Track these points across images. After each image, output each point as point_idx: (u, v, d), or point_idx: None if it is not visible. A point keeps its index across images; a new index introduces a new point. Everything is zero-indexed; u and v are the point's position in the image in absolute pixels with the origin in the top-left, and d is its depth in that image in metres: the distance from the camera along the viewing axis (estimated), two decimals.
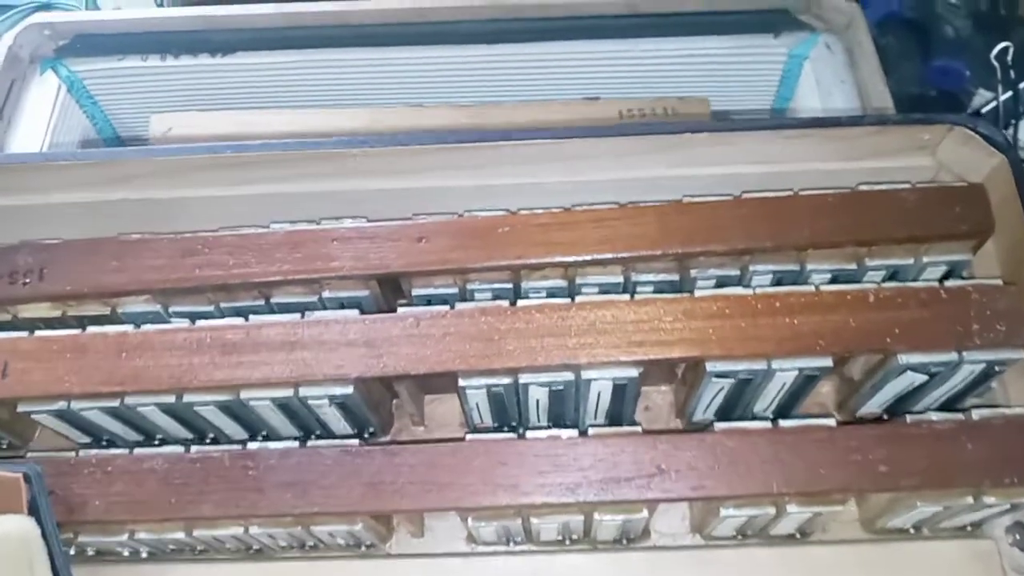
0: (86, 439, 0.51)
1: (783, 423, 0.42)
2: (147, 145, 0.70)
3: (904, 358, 0.42)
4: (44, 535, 0.43)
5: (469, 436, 0.44)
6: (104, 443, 0.52)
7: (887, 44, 0.92)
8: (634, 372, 0.43)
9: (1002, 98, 0.82)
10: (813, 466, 0.41)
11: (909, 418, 0.42)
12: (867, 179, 0.50)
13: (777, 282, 0.48)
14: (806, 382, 0.44)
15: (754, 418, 0.47)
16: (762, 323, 0.43)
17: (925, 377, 0.43)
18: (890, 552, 0.47)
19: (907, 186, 0.47)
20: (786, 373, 0.43)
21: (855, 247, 0.47)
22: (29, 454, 0.49)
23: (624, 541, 0.48)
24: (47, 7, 1.02)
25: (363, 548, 0.48)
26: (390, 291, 0.51)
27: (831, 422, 0.42)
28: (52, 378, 0.46)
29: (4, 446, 0.53)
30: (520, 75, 0.73)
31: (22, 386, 0.46)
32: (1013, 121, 0.81)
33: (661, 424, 0.52)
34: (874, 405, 0.47)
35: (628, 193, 0.51)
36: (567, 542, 0.47)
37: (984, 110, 0.85)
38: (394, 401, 0.53)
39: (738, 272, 0.48)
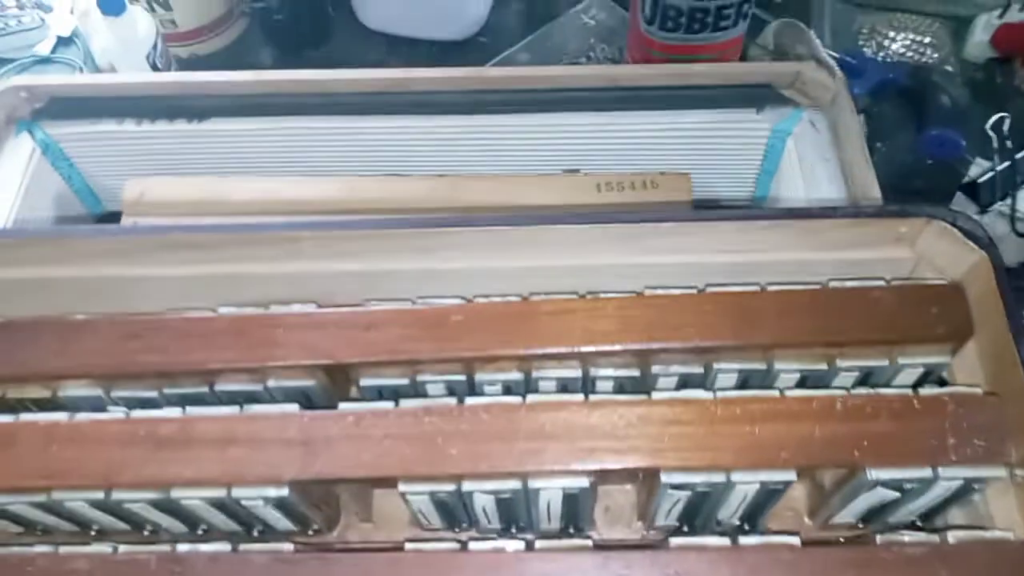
0: (17, 528, 0.49)
1: (744, 541, 0.39)
2: (120, 211, 0.70)
3: (874, 473, 0.39)
4: None
5: (409, 544, 0.41)
6: (38, 531, 0.49)
7: (881, 112, 0.90)
8: (585, 482, 0.40)
9: (999, 168, 0.80)
10: None
11: (879, 539, 0.39)
12: (843, 270, 0.47)
13: (743, 382, 0.45)
14: (770, 495, 0.41)
15: (719, 524, 0.44)
16: (721, 431, 0.40)
17: (896, 494, 0.40)
18: None
19: (881, 283, 0.45)
20: (747, 486, 0.40)
21: (825, 348, 0.44)
22: None
23: None
24: (47, 62, 1.03)
25: None
26: (340, 379, 0.49)
27: (796, 541, 0.39)
28: None
29: None
30: (500, 146, 0.72)
31: None
32: (1011, 192, 0.79)
33: (623, 525, 0.49)
34: (847, 515, 0.44)
35: (589, 279, 0.49)
36: None
37: (981, 180, 0.83)
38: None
39: (702, 370, 0.45)
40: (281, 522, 0.46)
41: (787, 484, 0.40)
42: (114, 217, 0.79)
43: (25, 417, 0.46)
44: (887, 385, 0.44)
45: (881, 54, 0.97)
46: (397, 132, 0.72)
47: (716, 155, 0.70)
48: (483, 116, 0.71)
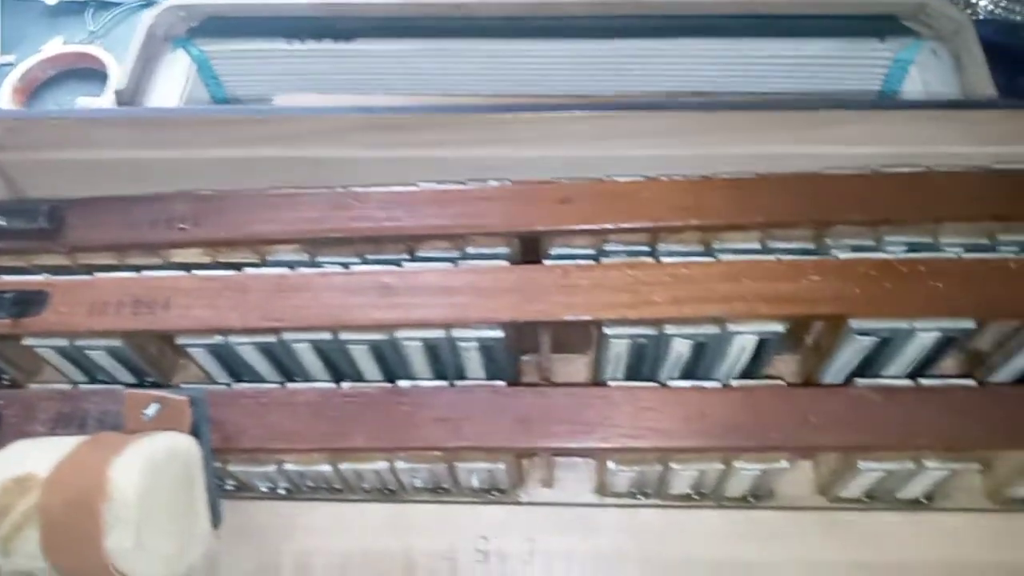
0: (227, 379, 0.54)
1: (925, 382, 0.44)
2: None
3: None
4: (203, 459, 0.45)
5: (613, 383, 0.46)
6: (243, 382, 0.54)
7: None
8: (780, 328, 0.45)
9: None
10: (956, 423, 0.42)
11: None
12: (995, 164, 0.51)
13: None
14: (946, 343, 0.45)
15: None
16: (907, 286, 0.44)
17: None
18: (1014, 521, 0.47)
19: None
20: (928, 334, 0.44)
21: (989, 222, 0.48)
22: (182, 385, 0.52)
23: (751, 500, 0.49)
24: None
25: (494, 494, 0.50)
26: (531, 248, 0.53)
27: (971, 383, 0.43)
28: (214, 313, 0.49)
29: (148, 383, 0.55)
30: (631, 70, 0.76)
31: (185, 320, 0.49)
32: None
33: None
34: (1004, 375, 0.48)
35: (758, 169, 0.53)
36: (695, 497, 0.49)
37: None
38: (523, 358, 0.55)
39: (873, 243, 0.49)
40: (479, 372, 0.50)
41: (966, 333, 0.44)
42: None
43: (250, 271, 0.51)
44: None
45: (968, 11, 1.00)
46: (532, 55, 0.76)
47: (838, 82, 0.74)
48: (615, 41, 0.75)
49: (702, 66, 0.75)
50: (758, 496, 0.49)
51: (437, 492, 0.50)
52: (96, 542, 0.39)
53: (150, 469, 0.41)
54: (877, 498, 0.48)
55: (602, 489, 0.50)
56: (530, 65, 0.76)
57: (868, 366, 0.48)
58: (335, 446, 0.46)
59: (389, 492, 0.51)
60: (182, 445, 0.44)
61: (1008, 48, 0.97)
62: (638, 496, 0.49)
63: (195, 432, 0.45)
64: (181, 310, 0.49)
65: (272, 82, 0.80)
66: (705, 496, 0.49)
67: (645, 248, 0.51)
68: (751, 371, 0.49)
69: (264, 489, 0.51)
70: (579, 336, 0.53)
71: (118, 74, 1.09)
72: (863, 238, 0.49)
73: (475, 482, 0.49)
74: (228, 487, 0.52)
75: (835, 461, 0.47)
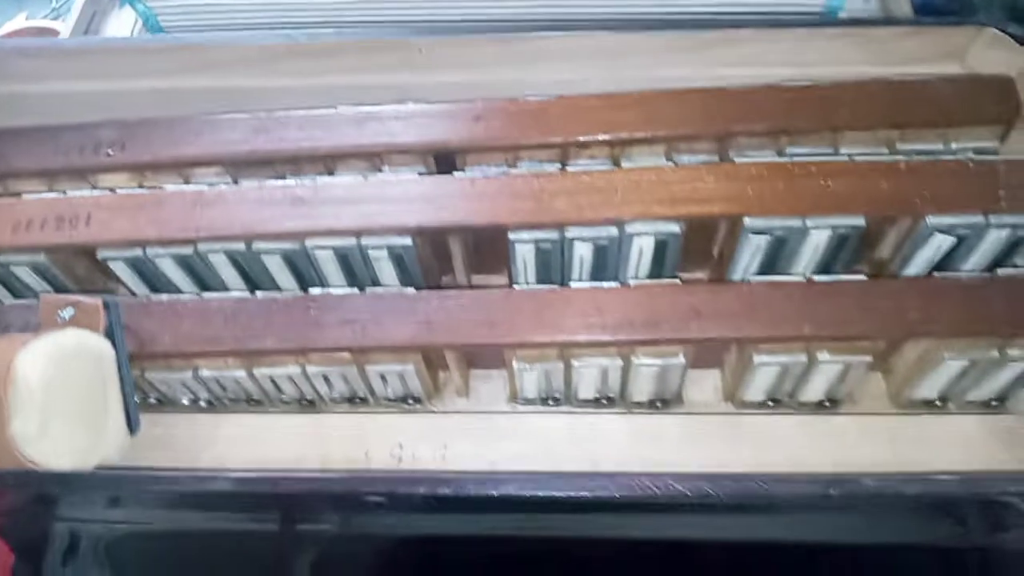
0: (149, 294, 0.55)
1: (816, 277, 0.45)
2: None
3: (933, 220, 0.44)
4: (117, 362, 0.46)
5: (518, 286, 0.47)
6: None
7: None
8: (676, 228, 0.46)
9: None
10: (844, 313, 0.43)
11: (937, 274, 0.44)
12: None
13: None
14: (840, 242, 0.46)
15: None
16: (799, 186, 0.45)
17: (953, 240, 0.45)
18: (916, 425, 0.48)
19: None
20: (820, 232, 0.45)
21: (887, 130, 0.49)
22: None
23: (658, 404, 0.50)
24: None
25: (410, 403, 0.51)
26: (446, 166, 0.54)
27: (862, 277, 0.45)
28: (132, 226, 0.50)
29: None
30: (571, 15, 0.77)
31: (104, 233, 0.50)
32: None
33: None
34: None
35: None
36: (603, 402, 0.50)
37: None
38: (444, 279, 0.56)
39: (775, 154, 0.50)
40: (394, 282, 0.51)
41: (857, 230, 0.45)
42: None
43: (170, 187, 0.52)
44: None
45: None
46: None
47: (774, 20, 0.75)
48: None
49: (638, 6, 0.76)
50: (666, 401, 0.50)
51: (354, 403, 0.51)
52: (1, 428, 0.40)
53: (56, 359, 0.42)
54: (781, 402, 0.49)
55: (514, 396, 0.51)
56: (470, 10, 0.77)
57: (770, 271, 0.48)
58: (245, 348, 0.47)
59: (308, 403, 0.52)
60: (92, 342, 0.45)
61: (948, 13, 0.99)
62: (549, 402, 0.50)
63: (109, 335, 0.46)
64: (101, 224, 0.50)
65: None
66: (613, 401, 0.50)
67: (557, 164, 0.52)
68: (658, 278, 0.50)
69: (185, 402, 0.52)
70: (497, 255, 0.54)
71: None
72: (765, 149, 0.50)
73: (389, 391, 0.50)
74: (151, 401, 0.53)
75: (735, 361, 0.48)
